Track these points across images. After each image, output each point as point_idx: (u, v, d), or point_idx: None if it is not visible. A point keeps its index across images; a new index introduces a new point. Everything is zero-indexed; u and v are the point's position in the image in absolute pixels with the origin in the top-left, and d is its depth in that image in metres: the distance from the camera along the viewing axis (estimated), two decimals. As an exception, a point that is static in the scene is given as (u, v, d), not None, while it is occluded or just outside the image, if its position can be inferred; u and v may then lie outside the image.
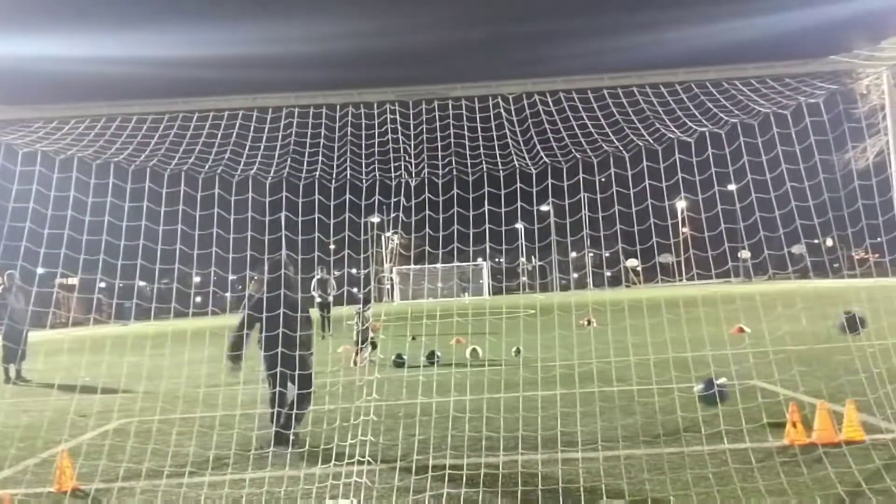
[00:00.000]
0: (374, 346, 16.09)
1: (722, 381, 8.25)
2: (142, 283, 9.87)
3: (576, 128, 8.15)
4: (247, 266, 8.46)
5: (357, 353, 15.74)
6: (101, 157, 7.81)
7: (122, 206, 7.87)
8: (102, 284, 9.52)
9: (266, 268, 8.46)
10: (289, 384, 8.12)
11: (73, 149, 7.62)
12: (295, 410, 8.11)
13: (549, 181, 8.36)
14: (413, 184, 8.62)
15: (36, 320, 16.56)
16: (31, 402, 12.95)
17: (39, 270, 8.63)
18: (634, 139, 8.24)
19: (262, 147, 8.08)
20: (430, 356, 15.20)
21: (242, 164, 8.24)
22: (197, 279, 11.75)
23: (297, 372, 7.99)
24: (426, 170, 8.69)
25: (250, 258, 8.40)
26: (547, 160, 8.47)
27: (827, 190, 7.51)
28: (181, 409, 10.53)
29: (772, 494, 5.68)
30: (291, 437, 7.97)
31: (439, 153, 8.54)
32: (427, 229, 8.65)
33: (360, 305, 16.16)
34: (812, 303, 19.81)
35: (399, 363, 15.03)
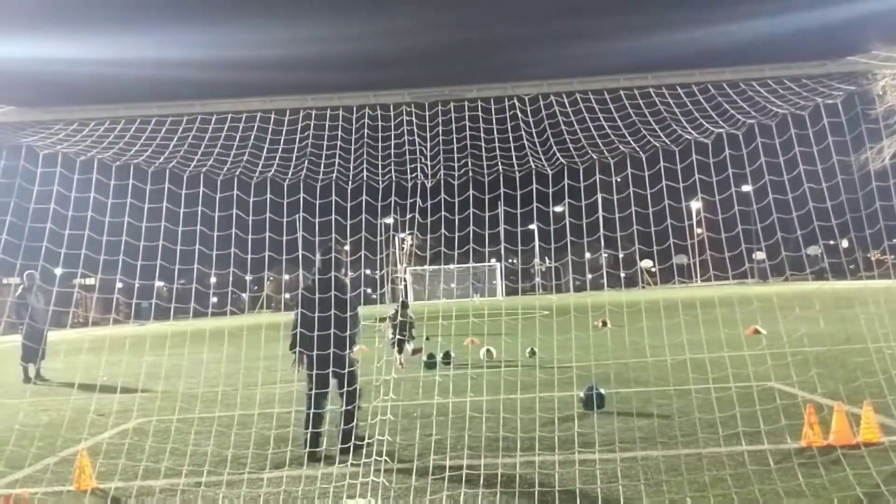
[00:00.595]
0: (401, 347, 16.18)
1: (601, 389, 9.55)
2: (160, 284, 9.96)
3: (592, 128, 8.14)
4: (265, 267, 8.52)
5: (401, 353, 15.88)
6: (121, 158, 7.89)
7: (142, 208, 7.94)
8: (121, 285, 9.61)
9: (317, 264, 8.39)
10: (331, 382, 8.07)
11: (92, 150, 7.70)
12: (345, 408, 7.99)
13: (565, 182, 8.36)
14: (429, 185, 8.64)
15: (55, 320, 16.75)
16: (51, 402, 13.08)
17: (59, 271, 8.72)
18: (651, 140, 8.22)
19: (280, 149, 8.13)
20: (445, 356, 15.24)
21: (260, 165, 8.30)
22: (214, 280, 11.84)
23: (331, 369, 7.93)
24: (442, 171, 8.72)
25: (267, 259, 8.46)
26: (563, 161, 8.47)
27: (844, 191, 7.47)
28: (199, 409, 10.61)
29: (790, 496, 5.66)
30: (354, 433, 7.76)
31: (455, 154, 8.56)
32: (443, 230, 8.68)
33: (399, 304, 16.32)
34: (829, 304, 19.68)
35: (431, 364, 15.09)
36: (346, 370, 8.04)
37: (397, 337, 15.79)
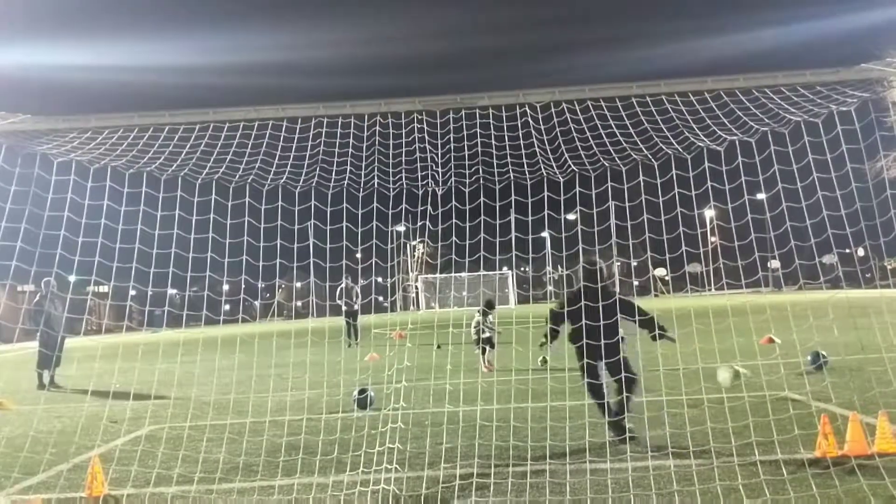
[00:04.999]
0: (492, 346, 16.09)
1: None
2: (173, 291, 9.99)
3: (604, 136, 8.13)
4: (277, 274, 8.54)
5: (484, 355, 15.82)
6: (134, 166, 7.94)
7: (155, 215, 7.98)
8: (134, 292, 9.66)
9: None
10: (603, 373, 8.26)
11: (106, 158, 7.75)
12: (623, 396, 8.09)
13: (577, 189, 8.34)
14: (440, 192, 8.64)
15: (69, 327, 16.80)
16: (65, 408, 13.13)
17: (72, 278, 8.77)
18: (663, 147, 8.20)
19: (292, 157, 8.16)
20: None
21: (272, 173, 8.33)
22: (226, 287, 11.87)
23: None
24: (453, 178, 8.72)
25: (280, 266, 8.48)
26: (575, 168, 8.45)
27: (859, 199, 7.42)
28: (211, 416, 10.62)
29: (803, 507, 5.61)
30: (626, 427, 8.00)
31: (466, 162, 8.56)
32: (454, 238, 8.67)
33: (484, 310, 16.21)
34: (844, 313, 19.51)
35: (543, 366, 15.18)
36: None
37: (482, 337, 15.72)
